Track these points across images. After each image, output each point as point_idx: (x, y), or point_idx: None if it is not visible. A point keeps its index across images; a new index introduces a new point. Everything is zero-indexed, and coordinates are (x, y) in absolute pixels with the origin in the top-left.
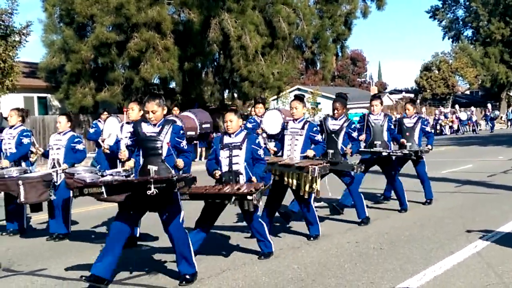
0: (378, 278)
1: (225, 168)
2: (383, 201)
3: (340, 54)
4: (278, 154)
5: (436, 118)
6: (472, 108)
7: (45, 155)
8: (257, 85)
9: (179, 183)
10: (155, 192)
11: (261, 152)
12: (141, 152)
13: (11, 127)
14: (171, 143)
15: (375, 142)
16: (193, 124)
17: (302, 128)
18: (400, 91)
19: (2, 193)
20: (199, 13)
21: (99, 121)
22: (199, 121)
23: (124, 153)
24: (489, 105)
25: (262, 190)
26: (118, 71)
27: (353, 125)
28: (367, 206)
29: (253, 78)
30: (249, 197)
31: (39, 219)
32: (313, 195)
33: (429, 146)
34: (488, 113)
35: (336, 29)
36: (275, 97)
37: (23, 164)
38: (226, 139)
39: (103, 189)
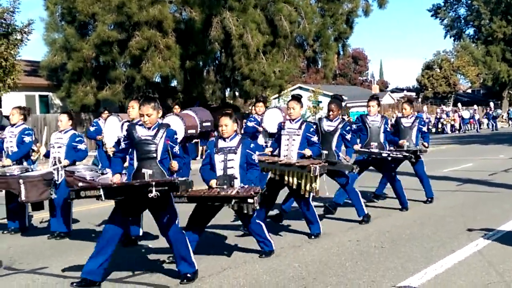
0: (379, 277)
1: (219, 172)
2: (374, 200)
3: (341, 52)
4: (274, 153)
5: (438, 116)
6: (475, 106)
7: (47, 155)
8: (258, 84)
9: (182, 186)
10: (156, 195)
11: (255, 157)
12: (135, 156)
13: (12, 125)
14: (164, 147)
15: (371, 143)
16: (194, 123)
17: (299, 128)
18: (402, 90)
19: (3, 191)
20: (200, 11)
21: (99, 119)
22: (199, 120)
23: (111, 149)
24: (491, 104)
25: (261, 194)
26: (120, 69)
27: (347, 127)
28: (367, 206)
29: (254, 76)
30: (250, 200)
31: (40, 217)
32: (311, 195)
33: (426, 144)
34: (491, 112)
35: (337, 27)
36: (277, 95)
37: (25, 163)
38: (221, 143)
39: (101, 192)
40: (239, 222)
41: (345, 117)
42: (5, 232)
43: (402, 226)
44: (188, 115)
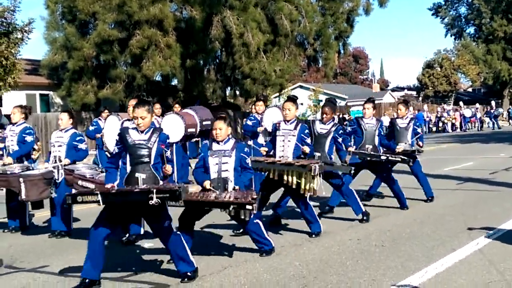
0: (379, 275)
1: (214, 175)
2: (366, 199)
3: (342, 51)
4: (270, 154)
5: (439, 115)
6: (477, 105)
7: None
8: (259, 83)
9: (182, 193)
10: (157, 203)
11: (249, 160)
12: (128, 160)
13: (13, 124)
14: (157, 151)
15: (366, 146)
16: (193, 121)
17: (295, 128)
18: (402, 89)
19: (4, 190)
20: (201, 10)
21: (99, 119)
22: (199, 118)
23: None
24: (492, 103)
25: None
26: (120, 68)
27: (340, 131)
28: (367, 206)
29: (255, 75)
30: (248, 207)
31: (42, 216)
32: (309, 194)
33: (421, 144)
34: (492, 111)
35: (338, 26)
36: (277, 94)
37: (25, 161)
38: (215, 146)
39: (99, 197)
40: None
41: (346, 116)
42: (5, 230)
43: (403, 225)
44: (188, 114)
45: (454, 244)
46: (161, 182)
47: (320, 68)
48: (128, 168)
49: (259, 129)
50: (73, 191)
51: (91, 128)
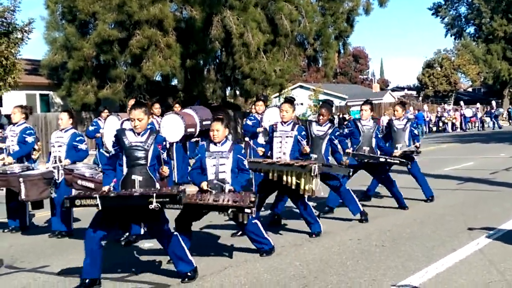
0: (380, 275)
1: (211, 176)
2: (366, 200)
3: (342, 51)
4: (267, 155)
5: (439, 115)
6: (478, 105)
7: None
8: (259, 83)
9: (182, 197)
10: (157, 207)
11: (245, 162)
12: (124, 162)
13: (14, 124)
14: (153, 153)
15: (363, 148)
16: (193, 121)
17: (292, 130)
18: (402, 88)
19: (4, 190)
20: (201, 10)
21: (99, 119)
22: (199, 118)
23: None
24: (493, 102)
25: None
26: (120, 68)
27: (336, 133)
28: (367, 206)
29: (255, 75)
30: (247, 210)
31: (42, 216)
32: (308, 195)
33: (418, 144)
34: (493, 111)
35: (338, 26)
36: (277, 94)
37: (25, 162)
38: (213, 148)
39: (98, 201)
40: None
41: (346, 116)
42: (5, 230)
43: (403, 225)
44: (187, 114)
45: (455, 244)
46: (157, 185)
47: (320, 68)
48: (125, 170)
49: (259, 129)
50: (73, 191)
51: (90, 128)
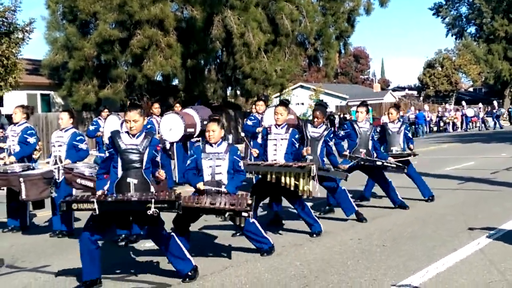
0: (381, 275)
1: (207, 178)
2: (362, 201)
3: (343, 51)
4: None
5: (439, 115)
6: (480, 104)
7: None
8: (260, 82)
9: (180, 202)
10: (156, 213)
11: (241, 163)
12: (119, 164)
13: (15, 124)
14: (149, 156)
15: (360, 150)
16: (193, 121)
17: (286, 132)
18: (403, 88)
19: (4, 190)
20: (202, 10)
21: (99, 118)
22: (200, 118)
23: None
24: (495, 102)
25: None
26: (121, 68)
27: (331, 135)
28: (367, 206)
29: (256, 75)
30: (244, 214)
31: (43, 216)
32: (306, 196)
33: (411, 146)
34: (494, 110)
35: (339, 26)
36: (278, 94)
37: (26, 161)
38: (209, 149)
39: (95, 206)
40: None
41: (347, 116)
42: (5, 230)
43: (403, 225)
44: (187, 114)
45: (455, 244)
46: (152, 188)
47: (321, 68)
48: (120, 173)
49: (259, 129)
50: (74, 190)
51: (91, 127)
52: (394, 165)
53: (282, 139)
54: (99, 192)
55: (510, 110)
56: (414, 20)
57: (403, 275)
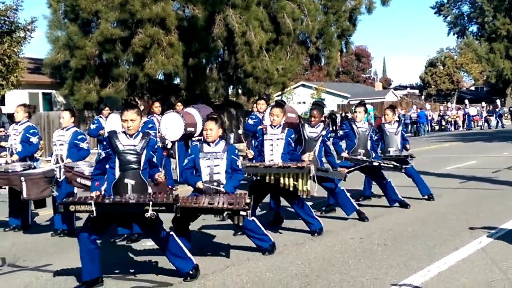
0: (382, 274)
1: (205, 177)
2: (363, 200)
3: (344, 50)
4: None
5: (441, 114)
6: (483, 103)
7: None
8: (261, 81)
9: (177, 204)
10: (153, 215)
11: (239, 162)
12: (117, 165)
13: (17, 123)
14: (146, 157)
15: (359, 150)
16: (193, 120)
17: (282, 132)
18: (405, 87)
19: (6, 189)
20: (203, 9)
21: (100, 117)
22: (202, 117)
23: None
24: (497, 101)
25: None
26: (123, 67)
27: (329, 134)
28: (366, 205)
29: (257, 74)
30: (243, 213)
31: (45, 214)
32: (304, 195)
33: (407, 146)
34: (497, 109)
35: (340, 25)
36: (280, 93)
37: (28, 160)
38: (206, 148)
39: (93, 208)
40: None
41: (349, 115)
42: (6, 229)
43: (404, 224)
44: (188, 113)
45: (457, 243)
46: (150, 189)
47: (322, 66)
48: (117, 174)
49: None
50: (75, 189)
51: (92, 126)
52: (391, 165)
53: (278, 139)
54: (96, 193)
55: (511, 109)
56: (415, 19)
57: (404, 274)
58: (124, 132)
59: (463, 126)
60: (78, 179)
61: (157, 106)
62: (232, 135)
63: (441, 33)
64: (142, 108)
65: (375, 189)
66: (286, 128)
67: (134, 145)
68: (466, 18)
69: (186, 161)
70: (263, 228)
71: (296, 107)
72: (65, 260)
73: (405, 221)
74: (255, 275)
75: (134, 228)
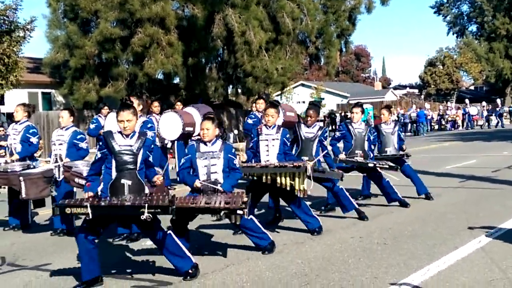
0: (382, 273)
1: (203, 177)
2: (363, 199)
3: (344, 49)
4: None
5: (441, 113)
6: (484, 103)
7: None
8: (261, 81)
9: (172, 206)
10: (149, 218)
11: (236, 161)
12: (113, 165)
13: (16, 122)
14: (143, 157)
15: (356, 151)
16: (192, 120)
17: (277, 132)
18: (404, 87)
19: (6, 188)
20: (203, 8)
21: (99, 116)
22: (202, 117)
23: None
24: (498, 101)
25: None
26: (122, 66)
27: (325, 134)
28: (366, 205)
29: (257, 73)
30: (239, 212)
31: (44, 214)
32: (302, 195)
33: (404, 147)
34: (498, 109)
35: (340, 24)
36: (279, 92)
37: (27, 160)
38: (203, 148)
39: (89, 210)
40: None
41: (348, 114)
42: (6, 229)
43: (404, 223)
44: (186, 113)
45: (456, 242)
46: (146, 189)
47: (322, 66)
48: (114, 174)
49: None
50: (75, 189)
51: (91, 126)
52: (387, 166)
53: (273, 139)
54: (89, 194)
55: (510, 108)
56: (415, 19)
57: (404, 273)
58: (120, 132)
59: (463, 126)
60: (76, 179)
61: (156, 106)
62: (231, 135)
63: (441, 33)
64: (141, 107)
65: (374, 188)
66: (281, 128)
67: (130, 145)
68: (465, 18)
69: (183, 160)
70: (262, 227)
71: (296, 106)
72: (64, 260)
73: (405, 220)
74: (254, 274)
75: (134, 227)
